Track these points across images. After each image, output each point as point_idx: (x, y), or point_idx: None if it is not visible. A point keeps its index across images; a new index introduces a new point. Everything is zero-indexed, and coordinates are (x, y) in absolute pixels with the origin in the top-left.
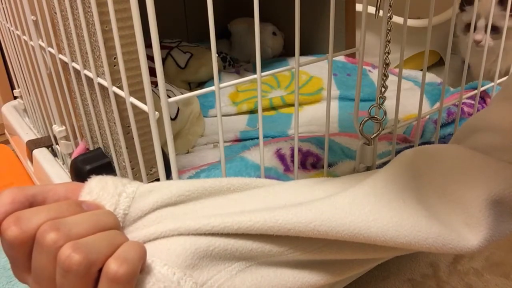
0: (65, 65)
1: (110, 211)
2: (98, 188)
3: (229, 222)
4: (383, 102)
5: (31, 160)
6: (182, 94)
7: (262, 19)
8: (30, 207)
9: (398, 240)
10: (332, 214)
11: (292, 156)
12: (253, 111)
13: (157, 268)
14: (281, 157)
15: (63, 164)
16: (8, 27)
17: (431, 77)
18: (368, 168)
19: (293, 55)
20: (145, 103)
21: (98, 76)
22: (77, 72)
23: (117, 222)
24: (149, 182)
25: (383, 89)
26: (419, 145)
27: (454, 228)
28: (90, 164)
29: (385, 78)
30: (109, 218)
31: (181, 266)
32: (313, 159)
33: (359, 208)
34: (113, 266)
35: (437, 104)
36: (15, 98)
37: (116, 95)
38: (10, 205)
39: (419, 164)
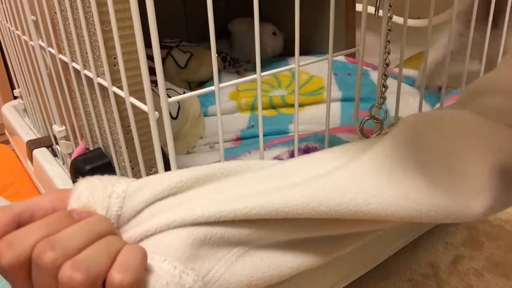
0: (65, 65)
1: (103, 216)
2: (86, 193)
3: (225, 211)
4: (383, 102)
5: (31, 160)
6: (184, 93)
7: (262, 19)
8: (18, 226)
9: (400, 214)
10: (330, 193)
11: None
12: (254, 109)
13: (158, 264)
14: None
15: (63, 164)
16: (8, 27)
17: None
18: None
19: (293, 55)
20: (145, 103)
21: (98, 76)
22: (77, 72)
23: (112, 227)
24: None
25: (383, 89)
26: None
27: (458, 196)
28: (90, 164)
29: (385, 78)
30: (103, 225)
31: (181, 259)
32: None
33: (359, 184)
34: (117, 276)
35: (438, 105)
36: (15, 98)
37: (116, 95)
38: None
39: (422, 131)
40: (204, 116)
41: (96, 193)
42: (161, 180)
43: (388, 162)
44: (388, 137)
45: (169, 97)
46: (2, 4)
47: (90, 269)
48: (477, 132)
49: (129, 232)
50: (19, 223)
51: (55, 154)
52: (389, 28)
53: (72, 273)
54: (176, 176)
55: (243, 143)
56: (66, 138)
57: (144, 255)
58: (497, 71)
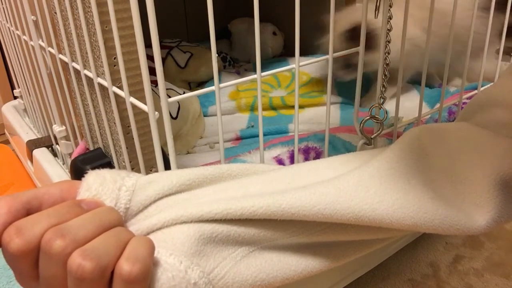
0: (65, 65)
1: (112, 207)
2: (96, 184)
3: (232, 209)
4: (383, 102)
5: (31, 160)
6: (184, 93)
7: (262, 19)
8: (27, 214)
9: (404, 222)
10: (336, 197)
11: (291, 161)
12: (253, 109)
13: (164, 258)
14: (279, 161)
15: (63, 164)
16: (8, 27)
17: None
18: None
19: (293, 55)
20: (145, 103)
21: (98, 76)
22: (77, 72)
23: (120, 218)
24: None
25: (383, 89)
26: None
27: (461, 208)
28: (90, 164)
29: (385, 78)
30: (111, 215)
31: (187, 254)
32: (314, 154)
33: (364, 190)
34: (126, 267)
35: (438, 105)
36: (15, 98)
37: (116, 95)
38: (7, 215)
39: (425, 143)
40: (204, 116)
41: (106, 185)
42: (170, 177)
43: (392, 172)
44: (392, 148)
45: (169, 97)
46: (2, 4)
47: (100, 258)
48: (478, 145)
49: (136, 226)
50: (29, 211)
51: (55, 154)
52: (389, 28)
53: (82, 261)
54: (185, 173)
55: (243, 143)
56: (66, 138)
57: (152, 247)
58: (498, 84)
